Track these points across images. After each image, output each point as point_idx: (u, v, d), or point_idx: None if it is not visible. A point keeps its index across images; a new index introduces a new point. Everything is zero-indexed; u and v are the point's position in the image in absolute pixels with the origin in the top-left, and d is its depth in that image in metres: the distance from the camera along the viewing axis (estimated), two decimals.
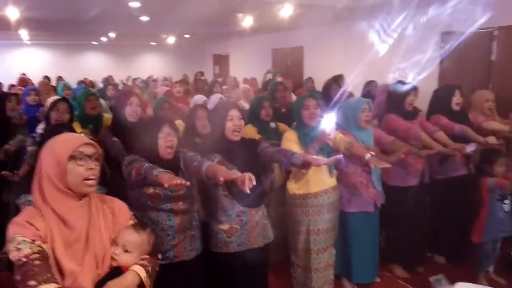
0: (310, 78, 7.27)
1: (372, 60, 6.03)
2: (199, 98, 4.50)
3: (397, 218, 3.42)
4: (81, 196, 1.47)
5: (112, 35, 10.96)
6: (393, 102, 3.53)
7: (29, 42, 12.79)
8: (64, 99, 3.57)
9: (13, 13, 6.40)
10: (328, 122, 2.66)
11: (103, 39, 12.15)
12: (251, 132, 3.37)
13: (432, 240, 3.72)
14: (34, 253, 1.29)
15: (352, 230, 3.17)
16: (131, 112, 3.13)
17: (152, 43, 14.48)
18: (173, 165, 2.25)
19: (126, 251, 1.49)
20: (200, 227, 2.45)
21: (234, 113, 2.49)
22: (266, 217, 2.62)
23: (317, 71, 8.37)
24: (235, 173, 1.99)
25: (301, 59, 10.05)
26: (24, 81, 9.13)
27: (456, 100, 3.54)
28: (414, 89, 3.51)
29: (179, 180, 1.77)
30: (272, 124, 3.57)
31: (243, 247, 2.47)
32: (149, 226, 1.62)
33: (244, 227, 2.46)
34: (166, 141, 2.21)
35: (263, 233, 2.56)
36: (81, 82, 9.25)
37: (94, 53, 14.66)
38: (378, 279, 3.45)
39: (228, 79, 8.37)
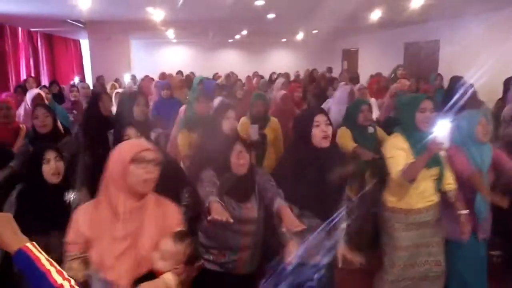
0: (439, 74, 6.59)
1: None
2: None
3: None
4: (140, 197, 1.57)
5: (244, 33, 11.59)
6: None
7: (174, 41, 14.33)
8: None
9: (162, 15, 7.27)
10: (442, 128, 2.26)
11: (237, 36, 12.93)
12: (344, 135, 3.22)
13: None
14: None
15: (448, 257, 2.76)
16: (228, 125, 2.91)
17: (283, 40, 14.87)
18: (247, 181, 2.31)
19: (162, 258, 1.56)
20: (262, 245, 2.44)
21: (320, 118, 2.26)
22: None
23: (454, 67, 7.62)
24: (301, 225, 1.97)
25: (436, 53, 9.25)
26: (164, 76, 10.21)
27: None
28: None
29: (222, 218, 1.86)
30: (370, 129, 3.36)
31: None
32: (188, 238, 1.63)
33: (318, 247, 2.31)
34: (238, 158, 2.26)
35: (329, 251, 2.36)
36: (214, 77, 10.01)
37: (229, 51, 15.74)
38: None
39: (341, 75, 8.00)
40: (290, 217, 2.03)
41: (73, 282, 1.10)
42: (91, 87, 8.28)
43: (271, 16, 7.86)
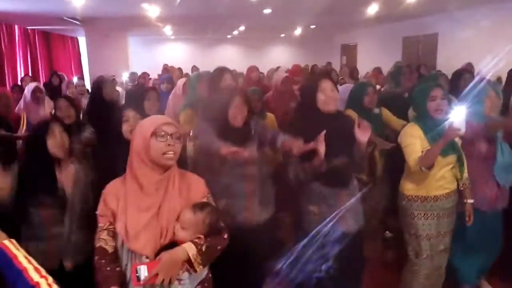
0: (439, 71, 6.55)
1: None
2: None
3: None
4: (163, 170, 1.62)
5: (242, 28, 11.54)
6: None
7: (173, 38, 14.29)
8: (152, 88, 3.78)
9: (159, 12, 7.25)
10: (457, 114, 2.26)
11: (235, 32, 12.89)
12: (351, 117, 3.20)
13: None
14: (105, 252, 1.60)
15: (462, 225, 2.78)
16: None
17: (281, 35, 14.82)
18: (243, 133, 2.33)
19: (182, 228, 1.59)
20: (272, 192, 2.48)
21: (326, 84, 2.26)
22: (357, 200, 2.41)
23: (452, 61, 7.59)
24: (310, 145, 2.00)
25: (434, 47, 9.22)
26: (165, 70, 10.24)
27: None
28: None
29: (234, 149, 1.94)
30: (376, 110, 3.32)
31: (334, 229, 2.29)
32: (209, 207, 1.67)
33: (332, 209, 2.30)
34: (237, 111, 2.28)
35: (355, 217, 2.37)
36: None
37: (227, 46, 15.69)
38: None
39: (342, 70, 8.14)
40: (297, 143, 2.07)
41: (50, 280, 1.10)
42: (89, 85, 8.31)
43: (267, 11, 7.83)
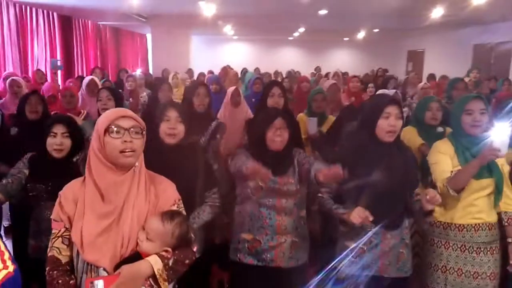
0: (507, 79, 5.97)
1: None
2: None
3: None
4: (124, 171, 1.44)
5: (301, 30, 11.42)
6: None
7: (235, 38, 14.53)
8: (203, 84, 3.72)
9: (218, 10, 7.37)
10: (499, 132, 1.94)
11: (296, 34, 12.79)
12: (411, 134, 2.85)
13: None
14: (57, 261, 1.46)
15: None
16: (272, 104, 3.00)
17: (345, 39, 14.48)
18: (283, 158, 2.16)
19: (148, 239, 1.43)
20: (307, 238, 2.26)
21: (391, 110, 1.97)
22: (406, 245, 2.11)
23: None
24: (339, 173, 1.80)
25: (509, 56, 8.48)
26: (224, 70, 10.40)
27: None
28: None
29: (257, 167, 1.81)
30: (440, 129, 2.94)
31: (368, 272, 2.03)
32: (180, 217, 1.49)
33: (372, 250, 2.04)
34: (275, 134, 2.11)
35: (397, 264, 2.08)
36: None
37: (288, 48, 15.66)
38: None
39: (410, 76, 7.74)
40: (329, 171, 1.87)
41: (6, 255, 1.09)
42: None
43: (323, 12, 7.67)
